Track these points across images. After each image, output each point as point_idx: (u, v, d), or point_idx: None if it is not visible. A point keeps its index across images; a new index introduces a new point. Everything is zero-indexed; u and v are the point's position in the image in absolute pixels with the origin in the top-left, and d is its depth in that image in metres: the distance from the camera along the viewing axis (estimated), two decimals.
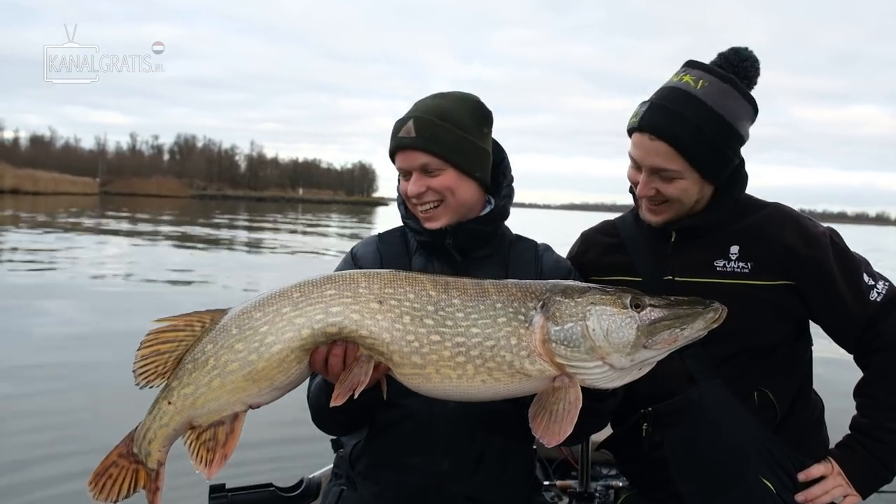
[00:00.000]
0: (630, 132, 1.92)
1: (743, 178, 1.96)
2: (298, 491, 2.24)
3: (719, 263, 1.90)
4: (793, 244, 1.86)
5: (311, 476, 2.33)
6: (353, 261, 2.00)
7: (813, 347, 2.02)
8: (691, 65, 1.90)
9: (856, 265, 1.88)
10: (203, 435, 1.49)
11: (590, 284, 1.55)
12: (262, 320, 1.48)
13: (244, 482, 2.25)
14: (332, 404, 1.47)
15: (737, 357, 1.88)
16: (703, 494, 1.84)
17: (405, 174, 1.89)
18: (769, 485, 1.80)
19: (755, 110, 1.91)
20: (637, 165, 1.91)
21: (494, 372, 1.48)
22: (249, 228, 32.99)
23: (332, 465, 2.13)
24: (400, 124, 1.87)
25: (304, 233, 33.14)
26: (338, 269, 1.95)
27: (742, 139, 1.89)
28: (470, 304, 1.50)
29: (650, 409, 1.91)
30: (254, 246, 23.83)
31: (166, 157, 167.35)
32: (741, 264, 1.88)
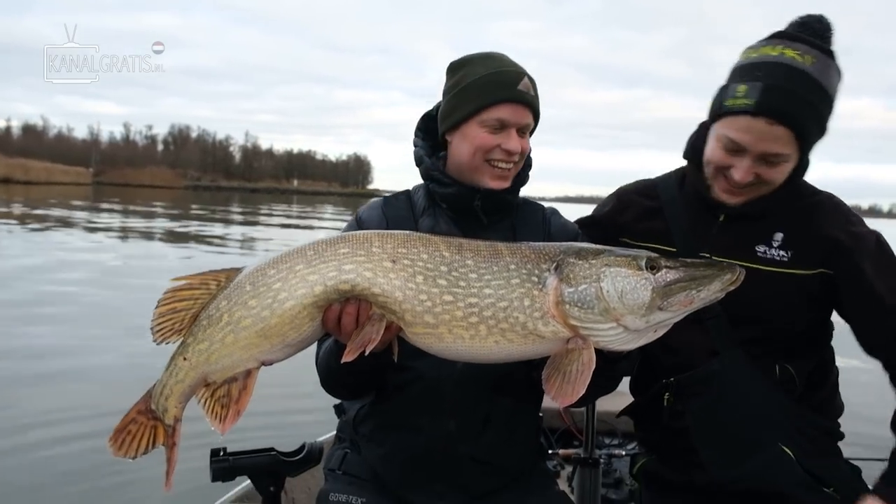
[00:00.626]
0: (728, 114, 1.78)
1: (806, 163, 1.89)
2: (300, 456, 2.23)
3: (760, 249, 1.87)
4: (838, 236, 1.83)
5: (312, 441, 2.33)
6: (359, 224, 1.99)
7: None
8: (787, 36, 1.78)
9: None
10: (217, 391, 1.51)
11: (604, 247, 1.54)
12: (275, 277, 1.48)
13: (245, 447, 2.25)
14: (343, 360, 1.47)
15: (764, 338, 1.87)
16: (724, 461, 1.86)
17: (500, 127, 1.83)
18: (788, 452, 1.83)
19: (840, 80, 1.83)
20: (735, 150, 1.77)
21: (507, 333, 1.47)
22: (244, 223, 32.86)
23: (334, 432, 2.13)
24: (514, 76, 1.84)
25: (297, 227, 32.90)
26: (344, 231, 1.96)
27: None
28: (483, 266, 1.49)
29: (672, 379, 1.92)
30: (247, 242, 23.67)
31: (160, 147, 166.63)
32: (782, 252, 1.86)
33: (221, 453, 2.16)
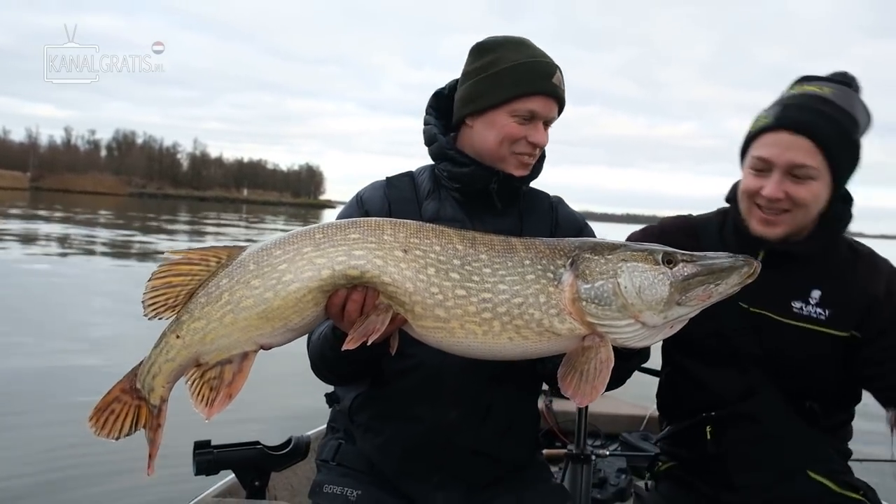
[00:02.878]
0: (757, 136, 1.85)
1: (849, 215, 1.91)
2: (287, 450, 2.15)
3: (797, 304, 1.87)
4: (877, 294, 1.83)
5: (299, 436, 2.24)
6: (359, 204, 1.91)
7: None
8: (807, 79, 1.89)
9: None
10: (208, 373, 1.43)
11: (620, 241, 1.51)
12: (281, 258, 1.41)
13: (230, 441, 2.17)
14: (344, 347, 1.40)
15: (794, 383, 1.92)
16: (756, 488, 1.93)
17: (528, 118, 1.81)
18: (818, 477, 1.90)
19: (870, 119, 1.88)
20: (763, 169, 1.82)
21: (522, 330, 1.41)
22: (191, 233, 32.05)
23: (322, 426, 2.04)
24: (549, 69, 1.82)
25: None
26: (342, 214, 1.89)
27: (861, 147, 1.86)
28: (497, 261, 1.44)
29: (713, 413, 1.97)
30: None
31: (103, 153, 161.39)
32: (819, 310, 1.86)
33: (207, 445, 2.07)
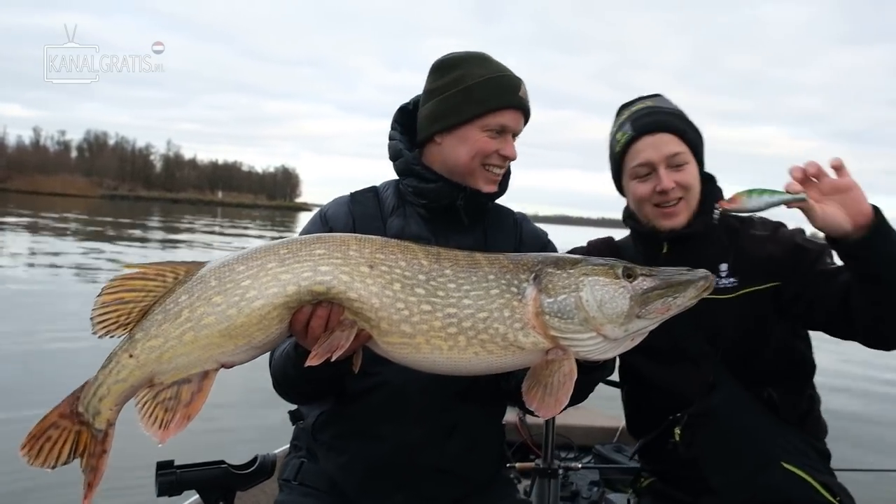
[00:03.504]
0: (625, 151, 2.06)
1: (719, 190, 2.11)
2: (252, 468, 2.13)
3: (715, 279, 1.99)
4: (771, 252, 2.01)
5: (265, 454, 2.22)
6: (323, 221, 1.91)
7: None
8: (627, 105, 2.15)
9: (822, 246, 1.99)
10: (163, 394, 1.36)
11: (581, 256, 1.54)
12: (244, 274, 1.38)
13: (193, 460, 2.13)
14: (307, 363, 1.39)
15: (746, 360, 2.00)
16: (733, 486, 1.97)
17: (499, 132, 1.85)
18: (792, 468, 1.95)
19: None
20: (646, 173, 2.03)
21: (487, 344, 1.43)
22: (165, 239, 31.50)
23: (287, 445, 2.04)
24: (515, 82, 1.87)
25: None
26: (306, 230, 1.89)
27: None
28: (462, 275, 1.46)
29: (678, 414, 2.03)
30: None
31: (74, 154, 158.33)
32: (731, 279, 2.02)
33: (170, 466, 2.04)
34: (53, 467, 1.37)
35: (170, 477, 2.11)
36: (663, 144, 2.01)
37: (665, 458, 2.10)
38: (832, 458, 2.10)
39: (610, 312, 1.42)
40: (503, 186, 1.97)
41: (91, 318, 1.35)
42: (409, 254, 1.47)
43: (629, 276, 1.46)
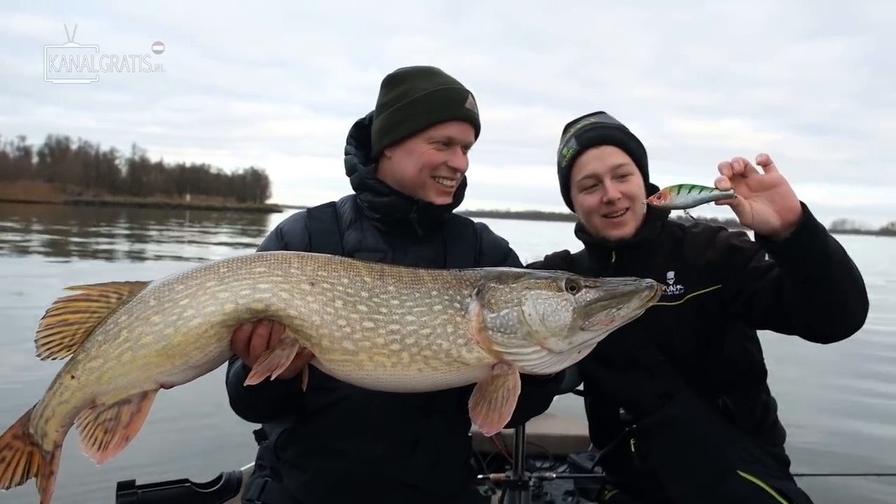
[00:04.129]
0: (572, 164, 2.11)
1: (652, 187, 2.17)
2: (217, 486, 2.08)
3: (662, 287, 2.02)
4: (710, 257, 2.05)
5: (230, 471, 2.18)
6: (279, 237, 1.90)
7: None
8: (570, 124, 2.21)
9: (755, 244, 1.99)
10: (103, 415, 1.36)
11: (525, 269, 1.54)
12: (183, 293, 1.38)
13: (157, 479, 2.09)
14: (246, 383, 1.38)
15: (699, 367, 2.02)
16: (692, 495, 1.98)
17: (447, 143, 1.84)
18: (748, 476, 1.96)
19: None
20: (593, 185, 2.08)
21: (431, 360, 1.43)
22: (133, 241, 30.84)
23: (254, 461, 2.01)
24: (462, 94, 1.86)
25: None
26: (263, 247, 1.88)
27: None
28: (405, 292, 1.45)
29: (634, 426, 2.05)
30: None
31: (35, 159, 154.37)
32: (679, 286, 2.05)
33: (131, 486, 1.99)
34: (7, 487, 1.38)
35: (131, 498, 2.07)
36: (607, 156, 2.05)
37: (625, 468, 2.11)
38: (797, 464, 2.12)
39: (553, 325, 1.42)
40: (458, 197, 1.96)
41: (35, 341, 1.37)
42: (352, 271, 1.46)
43: (572, 288, 1.46)
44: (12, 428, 1.40)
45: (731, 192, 1.61)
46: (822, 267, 1.66)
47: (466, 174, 1.96)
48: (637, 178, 2.08)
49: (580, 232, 2.24)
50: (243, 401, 1.69)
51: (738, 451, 1.99)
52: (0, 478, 1.37)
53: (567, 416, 3.83)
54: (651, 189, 2.14)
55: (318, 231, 1.89)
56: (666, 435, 2.00)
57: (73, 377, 1.37)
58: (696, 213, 1.73)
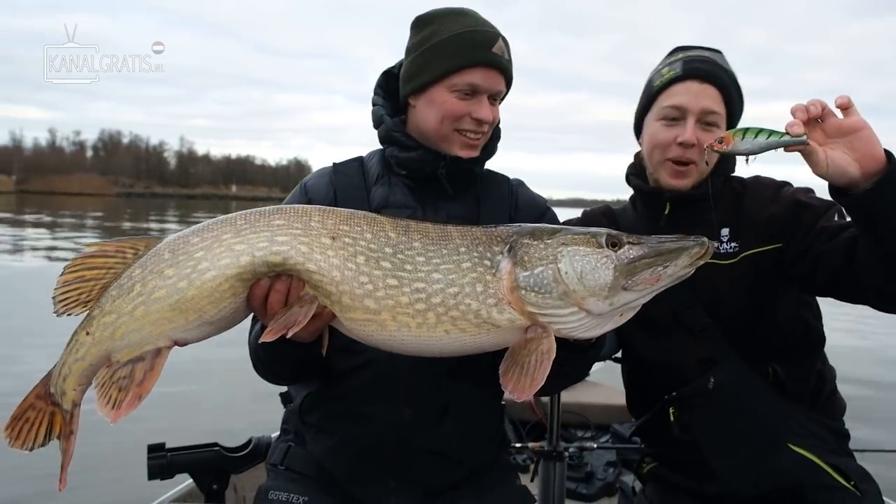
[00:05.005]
0: (664, 88, 1.92)
1: (734, 159, 1.98)
2: (246, 451, 2.06)
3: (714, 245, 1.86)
4: (773, 212, 1.87)
5: (260, 436, 2.16)
6: (304, 193, 1.81)
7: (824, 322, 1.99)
8: (683, 48, 2.00)
9: (828, 203, 1.82)
10: (118, 372, 1.33)
11: (561, 226, 1.41)
12: (198, 245, 1.33)
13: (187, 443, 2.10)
14: (261, 340, 1.32)
15: (749, 332, 1.85)
16: (737, 469, 1.84)
17: (471, 93, 1.69)
18: (800, 450, 1.81)
19: None
20: (676, 118, 1.89)
21: (459, 321, 1.32)
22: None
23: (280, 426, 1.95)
24: (489, 37, 1.69)
25: None
26: (287, 202, 1.77)
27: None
28: (432, 248, 1.35)
29: (674, 393, 1.89)
30: None
31: (89, 153, 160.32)
32: (733, 244, 1.89)
33: (161, 448, 1.99)
34: (31, 449, 1.37)
35: (160, 460, 2.09)
36: (705, 97, 1.86)
37: (664, 440, 1.97)
38: (860, 440, 1.96)
39: (592, 285, 1.30)
40: (491, 150, 1.83)
41: (53, 297, 1.34)
42: (376, 226, 1.37)
43: (614, 244, 1.33)
44: (35, 388, 1.39)
45: (805, 137, 1.43)
46: None
47: (500, 125, 1.82)
48: (719, 133, 1.83)
49: (633, 176, 2.07)
50: (263, 363, 1.62)
51: (790, 422, 1.83)
52: (24, 439, 1.36)
53: (611, 384, 3.70)
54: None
55: (343, 186, 1.78)
56: (709, 404, 1.84)
57: (87, 333, 1.34)
58: (761, 160, 1.53)
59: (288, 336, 1.30)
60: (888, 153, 1.45)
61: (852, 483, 1.80)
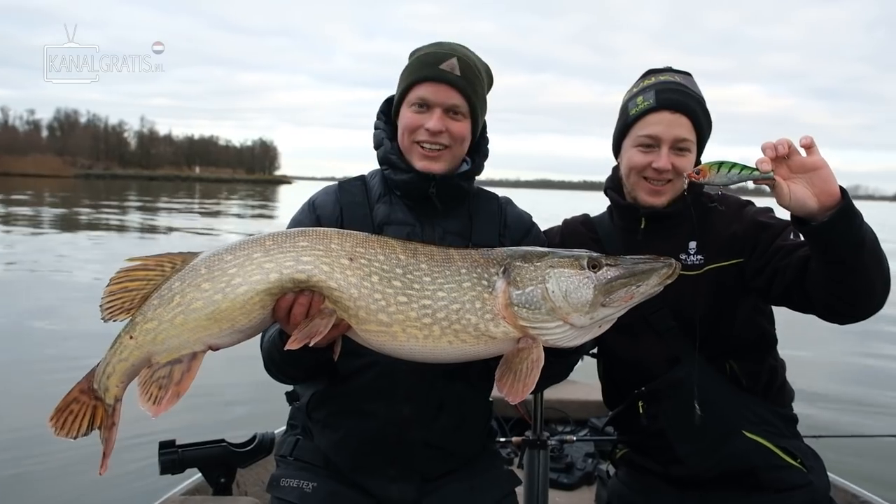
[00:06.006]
0: (639, 118, 2.09)
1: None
2: (251, 447, 2.23)
3: (682, 257, 2.08)
4: (736, 230, 2.09)
5: (264, 432, 2.33)
6: (312, 209, 1.99)
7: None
8: (654, 71, 2.18)
9: (784, 223, 2.05)
10: (158, 372, 1.50)
11: (549, 249, 1.62)
12: (231, 263, 1.51)
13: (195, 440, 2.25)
14: (286, 347, 1.50)
15: (710, 334, 2.08)
16: (699, 454, 2.08)
17: (422, 106, 1.88)
18: (754, 436, 2.06)
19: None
20: (651, 145, 2.07)
21: (460, 334, 1.53)
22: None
23: (285, 424, 2.13)
24: (439, 56, 1.88)
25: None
26: (295, 219, 1.99)
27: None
28: (437, 270, 1.55)
29: (643, 388, 2.13)
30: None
31: (45, 133, 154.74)
32: (699, 257, 2.10)
33: (171, 445, 2.13)
34: (75, 437, 1.53)
35: (172, 456, 2.23)
36: (677, 126, 2.04)
37: (634, 429, 2.21)
38: (815, 426, 2.20)
39: (575, 302, 1.52)
40: (478, 168, 2.01)
41: (100, 306, 1.51)
42: (388, 248, 1.56)
43: (594, 266, 1.55)
44: (79, 384, 1.54)
45: (771, 174, 1.62)
46: (854, 253, 1.68)
47: (489, 146, 2.03)
48: (692, 156, 2.09)
49: (611, 190, 2.25)
50: (277, 365, 1.80)
51: (745, 412, 2.07)
52: (70, 429, 1.52)
53: (588, 382, 3.97)
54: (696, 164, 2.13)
55: (348, 203, 1.97)
56: (674, 397, 2.08)
57: (131, 337, 1.50)
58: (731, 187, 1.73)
59: (311, 344, 1.49)
60: (843, 190, 1.66)
61: (799, 461, 2.07)
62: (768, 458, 2.05)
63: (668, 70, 2.17)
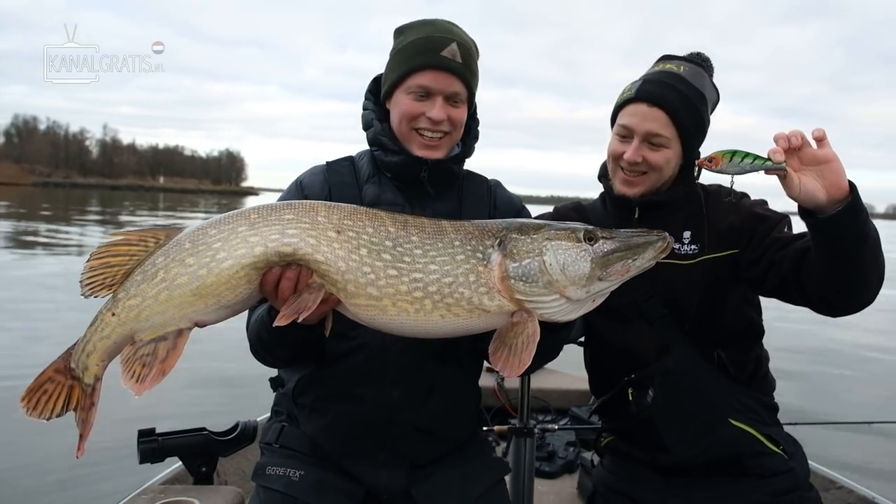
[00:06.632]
0: (622, 106, 2.09)
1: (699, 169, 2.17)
2: (233, 435, 2.14)
3: (676, 246, 2.07)
4: (732, 222, 2.08)
5: (246, 421, 2.24)
6: (299, 188, 1.92)
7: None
8: (668, 57, 2.15)
9: (780, 216, 2.07)
10: (141, 350, 1.45)
11: (544, 221, 1.58)
12: (216, 237, 1.46)
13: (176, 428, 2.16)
14: (275, 323, 1.44)
15: (700, 324, 2.08)
16: (686, 442, 2.07)
17: (424, 94, 1.82)
18: (739, 424, 2.06)
19: (718, 96, 2.19)
20: (626, 136, 2.06)
21: (453, 307, 1.47)
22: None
23: (269, 412, 2.06)
24: (438, 42, 1.81)
25: None
26: (283, 197, 1.89)
27: (708, 120, 2.14)
28: (428, 242, 1.49)
29: (633, 375, 2.12)
30: None
31: (1, 140, 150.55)
32: (693, 246, 2.09)
33: (151, 433, 2.05)
34: (48, 418, 1.47)
35: (151, 444, 2.15)
36: (650, 120, 2.02)
37: (622, 416, 2.18)
38: (796, 413, 2.21)
39: (572, 275, 1.47)
40: (466, 151, 1.97)
41: (80, 281, 1.44)
42: (376, 221, 1.50)
43: (590, 239, 1.50)
44: (55, 363, 1.48)
45: (784, 164, 1.62)
46: (858, 246, 1.69)
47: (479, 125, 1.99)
48: (669, 153, 2.05)
49: (604, 178, 2.25)
50: (265, 345, 1.72)
51: (730, 400, 2.07)
52: (43, 409, 1.45)
53: (569, 371, 3.98)
54: (687, 164, 2.11)
55: (336, 184, 1.91)
56: (663, 385, 2.07)
57: (113, 314, 1.45)
58: (740, 178, 1.70)
59: (300, 320, 1.43)
60: (851, 184, 1.66)
61: (781, 448, 2.08)
62: (753, 445, 2.06)
63: (682, 58, 2.13)
